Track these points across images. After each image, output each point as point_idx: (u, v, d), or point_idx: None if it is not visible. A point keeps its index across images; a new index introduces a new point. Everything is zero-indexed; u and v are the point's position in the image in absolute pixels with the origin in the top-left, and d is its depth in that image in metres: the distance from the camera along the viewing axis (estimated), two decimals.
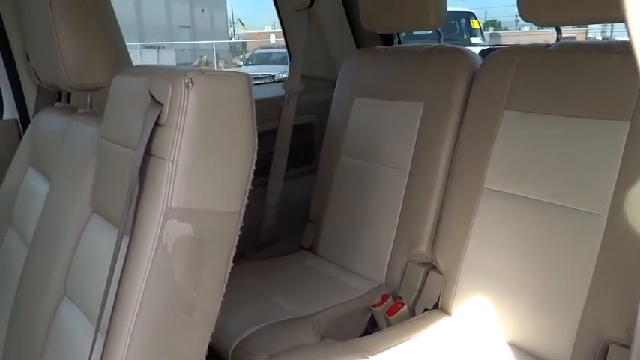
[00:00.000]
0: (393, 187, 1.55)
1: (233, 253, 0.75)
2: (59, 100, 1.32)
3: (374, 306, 1.44)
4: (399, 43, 1.99)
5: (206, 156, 0.71)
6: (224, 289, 0.75)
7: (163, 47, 18.04)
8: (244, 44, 23.67)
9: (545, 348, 1.18)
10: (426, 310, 1.42)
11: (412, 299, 1.44)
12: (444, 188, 1.45)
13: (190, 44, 21.53)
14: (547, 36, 1.44)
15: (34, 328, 0.92)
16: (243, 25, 29.06)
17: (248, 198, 0.74)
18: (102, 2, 1.08)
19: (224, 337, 1.28)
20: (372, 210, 1.60)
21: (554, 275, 1.19)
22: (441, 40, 1.62)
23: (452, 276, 1.37)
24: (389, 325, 1.40)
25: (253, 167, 0.74)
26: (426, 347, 1.27)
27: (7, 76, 1.53)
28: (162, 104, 0.70)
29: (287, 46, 2.10)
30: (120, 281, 0.71)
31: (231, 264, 0.75)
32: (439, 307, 1.40)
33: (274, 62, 10.22)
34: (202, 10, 24.48)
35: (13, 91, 1.54)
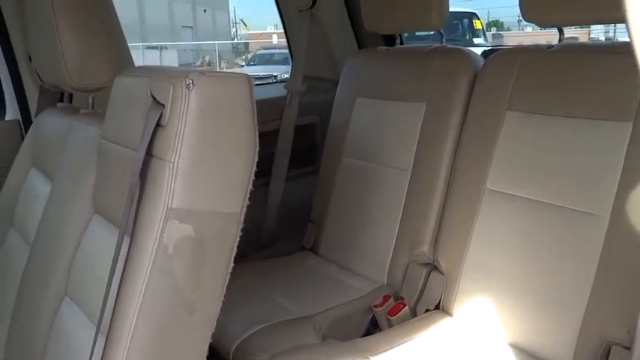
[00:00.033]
0: (394, 188, 1.55)
1: (234, 254, 0.75)
2: (61, 100, 1.32)
3: (375, 306, 1.43)
4: (401, 43, 1.99)
5: (207, 157, 0.71)
6: (225, 290, 0.75)
7: (166, 48, 18.06)
8: (247, 44, 23.70)
9: (547, 349, 1.18)
10: (427, 310, 1.42)
11: (413, 300, 1.44)
12: (445, 189, 1.45)
13: (193, 45, 21.56)
14: (550, 36, 1.43)
15: (35, 328, 0.93)
16: (246, 25, 29.10)
17: (249, 198, 0.74)
18: (104, 3, 1.09)
19: (225, 337, 1.28)
20: (374, 210, 1.60)
21: (556, 276, 1.19)
22: (443, 40, 1.62)
23: (453, 277, 1.37)
24: (390, 325, 1.40)
25: (254, 168, 0.74)
26: (427, 348, 1.27)
27: (9, 77, 1.54)
28: (163, 105, 0.70)
29: (289, 47, 2.10)
30: (121, 281, 0.71)
31: (232, 264, 0.75)
32: (441, 307, 1.40)
33: (276, 63, 10.24)
34: (205, 11, 24.51)
35: (15, 92, 1.54)
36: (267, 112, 1.86)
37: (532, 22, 1.31)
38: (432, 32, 1.66)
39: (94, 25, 1.02)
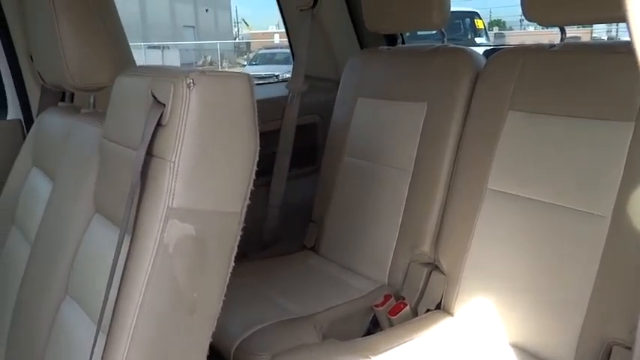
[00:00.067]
0: (395, 188, 1.55)
1: (235, 253, 0.75)
2: (62, 100, 1.32)
3: (376, 306, 1.43)
4: (403, 43, 1.99)
5: (207, 156, 0.71)
6: (225, 289, 0.75)
7: (167, 47, 18.08)
8: (248, 44, 23.70)
9: (548, 349, 1.18)
10: (428, 310, 1.41)
11: (414, 300, 1.44)
12: (447, 189, 1.45)
13: (194, 44, 21.57)
14: (552, 36, 1.43)
15: (36, 327, 0.93)
16: (248, 25, 29.10)
17: (251, 198, 0.74)
18: (105, 3, 1.09)
19: (226, 337, 1.28)
20: (375, 210, 1.60)
21: (557, 276, 1.18)
22: (445, 40, 1.61)
23: (454, 277, 1.37)
24: (391, 325, 1.40)
25: (255, 167, 0.74)
26: (428, 348, 1.26)
27: (11, 77, 1.54)
28: (164, 105, 0.70)
29: (290, 47, 2.10)
30: (121, 281, 0.71)
31: (233, 264, 0.75)
32: (442, 307, 1.40)
33: (278, 62, 10.23)
34: (206, 10, 24.52)
35: (17, 91, 1.55)
36: (269, 112, 1.86)
37: (533, 22, 1.30)
38: (433, 32, 1.66)
39: (96, 24, 1.02)
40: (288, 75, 1.99)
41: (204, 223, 0.72)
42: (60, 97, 1.33)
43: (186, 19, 22.85)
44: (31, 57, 1.31)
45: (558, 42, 1.32)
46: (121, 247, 0.71)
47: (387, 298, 1.44)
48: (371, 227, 1.59)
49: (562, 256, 1.18)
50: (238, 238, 0.75)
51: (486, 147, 1.34)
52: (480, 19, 9.45)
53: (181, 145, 0.69)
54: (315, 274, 1.62)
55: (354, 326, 1.44)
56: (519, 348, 1.23)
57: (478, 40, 8.76)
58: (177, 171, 0.69)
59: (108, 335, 0.71)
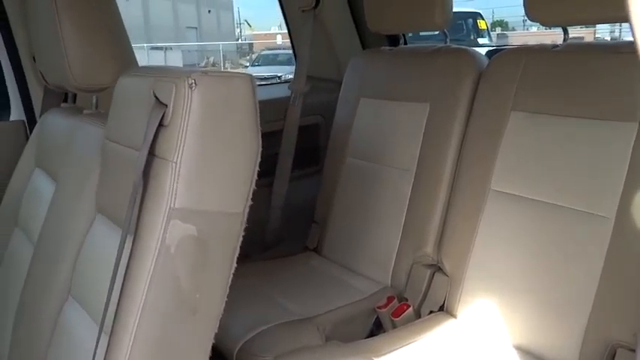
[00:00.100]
0: (398, 189, 1.54)
1: (237, 254, 0.75)
2: (65, 101, 1.32)
3: (379, 308, 1.43)
4: (405, 43, 1.99)
5: (209, 157, 0.71)
6: (228, 290, 0.75)
7: (170, 48, 18.12)
8: (251, 45, 23.73)
9: (552, 351, 1.17)
10: (431, 312, 1.41)
11: (417, 301, 1.44)
12: (449, 190, 1.44)
13: (197, 45, 21.61)
14: (555, 36, 1.43)
15: (38, 328, 0.93)
16: (250, 26, 29.15)
17: (253, 199, 0.74)
18: (107, 3, 1.09)
19: (228, 338, 1.27)
20: (378, 211, 1.59)
21: (560, 278, 1.18)
22: (448, 40, 1.61)
23: (457, 278, 1.36)
24: (394, 327, 1.40)
25: (257, 168, 0.74)
26: (431, 350, 1.26)
27: (14, 78, 1.54)
28: (165, 105, 0.70)
29: (292, 48, 2.10)
30: (123, 281, 0.71)
31: (235, 265, 0.75)
32: (445, 309, 1.40)
33: (281, 63, 10.24)
34: (209, 12, 24.57)
35: (20, 92, 1.55)
36: (271, 113, 1.86)
37: (536, 22, 1.30)
38: (436, 32, 1.65)
39: (98, 25, 1.02)
40: (291, 76, 1.99)
41: (206, 223, 0.71)
42: (62, 98, 1.34)
43: (188, 21, 22.90)
44: (34, 58, 1.31)
45: (561, 42, 1.32)
46: (123, 248, 0.71)
47: (389, 299, 1.44)
48: (374, 228, 1.59)
49: (565, 258, 1.18)
50: (240, 238, 0.75)
51: (489, 147, 1.34)
52: (483, 19, 9.43)
53: (183, 146, 0.69)
54: (318, 276, 1.62)
55: (357, 328, 1.44)
56: (523, 350, 1.22)
57: (481, 40, 8.75)
58: (179, 171, 0.69)
59: (110, 336, 0.71)
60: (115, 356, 0.70)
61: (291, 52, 2.15)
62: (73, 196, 0.97)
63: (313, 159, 2.02)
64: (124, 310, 0.70)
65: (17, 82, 1.54)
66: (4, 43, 1.52)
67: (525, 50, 1.38)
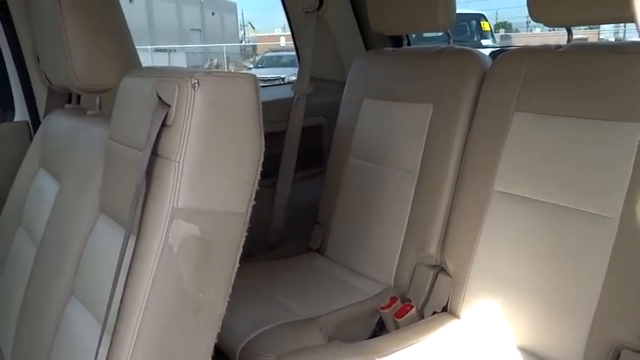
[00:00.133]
0: (401, 190, 1.54)
1: (240, 254, 0.75)
2: (69, 101, 1.33)
3: (382, 308, 1.43)
4: (409, 44, 1.98)
5: (212, 156, 0.71)
6: (230, 290, 0.75)
7: (174, 50, 18.17)
8: (254, 47, 23.76)
9: (556, 352, 1.17)
10: (434, 313, 1.41)
11: (421, 302, 1.43)
12: (453, 190, 1.44)
13: (201, 47, 21.66)
14: (558, 37, 1.42)
15: (42, 327, 0.93)
16: (254, 28, 29.19)
17: (256, 199, 0.74)
18: (111, 4, 1.09)
19: (231, 338, 1.28)
20: (381, 212, 1.59)
21: (565, 279, 1.17)
22: (451, 41, 1.61)
23: (461, 279, 1.36)
24: (397, 327, 1.39)
25: (260, 168, 0.74)
26: (434, 350, 1.26)
27: (18, 78, 1.55)
28: (168, 105, 0.70)
29: (296, 49, 2.10)
30: (126, 281, 0.71)
31: (238, 264, 0.75)
32: (448, 310, 1.39)
33: (284, 65, 10.26)
34: (213, 14, 24.63)
35: (24, 93, 1.56)
36: (274, 114, 1.86)
37: (540, 22, 1.30)
38: (439, 34, 1.65)
39: (102, 26, 1.03)
40: (294, 78, 2.00)
41: (209, 223, 0.71)
42: (66, 98, 1.34)
43: (192, 23, 22.95)
44: (38, 59, 1.31)
45: (565, 43, 1.32)
46: (125, 248, 0.71)
47: (393, 300, 1.43)
48: (377, 229, 1.59)
49: (570, 259, 1.17)
50: (243, 238, 0.75)
51: (493, 148, 1.33)
52: (486, 21, 9.43)
53: (186, 145, 0.69)
54: (321, 276, 1.62)
55: (360, 328, 1.43)
56: (526, 351, 1.22)
57: (484, 42, 8.74)
58: (182, 171, 0.69)
59: (113, 336, 0.71)
60: (118, 356, 0.70)
61: (294, 53, 2.15)
62: (77, 196, 0.97)
63: (316, 160, 2.02)
64: (126, 310, 0.70)
65: (21, 83, 1.55)
66: (9, 44, 1.53)
67: (529, 51, 1.37)
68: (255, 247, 1.80)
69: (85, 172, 0.98)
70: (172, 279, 0.71)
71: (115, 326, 0.71)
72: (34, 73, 1.52)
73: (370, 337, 1.39)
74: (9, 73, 1.55)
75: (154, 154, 0.71)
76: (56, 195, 1.05)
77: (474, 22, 8.96)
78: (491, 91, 1.39)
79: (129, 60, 1.09)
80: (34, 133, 1.36)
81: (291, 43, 2.22)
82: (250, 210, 0.74)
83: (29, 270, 1.04)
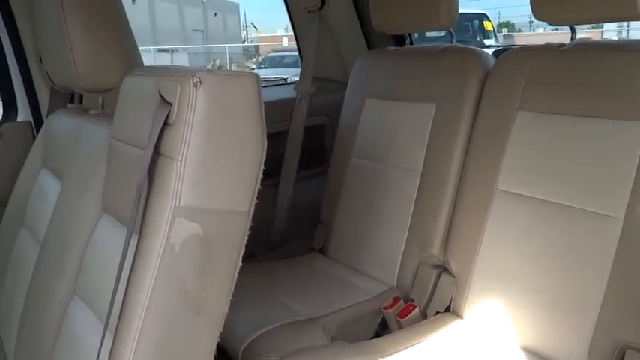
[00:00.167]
0: (404, 189, 1.54)
1: (242, 253, 0.75)
2: (72, 101, 1.33)
3: (385, 308, 1.42)
4: (411, 44, 1.98)
5: (214, 155, 0.71)
6: (233, 289, 0.75)
7: (177, 51, 18.19)
8: (257, 47, 23.79)
9: (559, 352, 1.16)
10: (437, 312, 1.40)
11: (424, 302, 1.43)
12: (456, 190, 1.43)
13: (203, 48, 21.68)
14: (562, 37, 1.41)
15: (44, 327, 0.93)
16: (256, 28, 29.24)
17: (258, 198, 0.74)
18: (113, 4, 1.09)
19: (233, 338, 1.27)
20: (384, 212, 1.59)
21: (568, 278, 1.17)
22: (454, 40, 1.60)
23: (464, 279, 1.36)
24: (400, 327, 1.39)
25: (262, 166, 0.73)
26: (437, 350, 1.25)
27: (21, 79, 1.55)
28: (170, 104, 0.70)
29: (298, 48, 2.10)
30: (128, 280, 0.71)
31: (240, 264, 0.75)
32: (451, 309, 1.39)
33: (287, 65, 10.26)
34: (215, 14, 24.66)
35: (26, 93, 1.56)
36: (277, 113, 1.86)
37: (543, 20, 1.29)
38: (442, 34, 1.64)
39: (104, 26, 1.03)
40: (297, 78, 2.00)
41: (211, 222, 0.71)
42: (69, 98, 1.34)
43: (195, 24, 22.98)
44: (41, 59, 1.32)
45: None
46: (128, 247, 0.71)
47: (396, 300, 1.43)
48: (380, 229, 1.58)
49: (573, 258, 1.17)
50: (246, 237, 0.74)
51: (496, 147, 1.33)
52: (489, 20, 9.41)
53: (188, 144, 0.69)
54: (324, 276, 1.62)
55: (363, 328, 1.43)
56: (530, 351, 1.21)
57: (487, 42, 8.72)
58: (184, 170, 0.69)
59: (115, 335, 0.71)
60: (120, 354, 0.70)
61: (297, 54, 2.15)
62: (79, 195, 0.97)
63: (319, 160, 2.02)
64: (128, 309, 0.70)
65: (24, 83, 1.55)
66: (11, 44, 1.53)
67: (532, 49, 1.37)
68: (257, 246, 1.79)
69: (88, 171, 0.98)
70: (174, 278, 0.71)
71: (117, 325, 0.70)
72: (36, 73, 1.53)
73: (373, 337, 1.39)
74: (12, 73, 1.56)
75: (156, 152, 0.71)
76: (59, 194, 1.05)
77: (476, 22, 8.94)
78: (495, 90, 1.38)
79: (131, 59, 1.09)
80: (37, 133, 1.37)
81: (293, 43, 2.23)
82: (253, 209, 0.74)
83: (32, 269, 1.04)
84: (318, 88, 1.90)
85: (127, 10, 1.32)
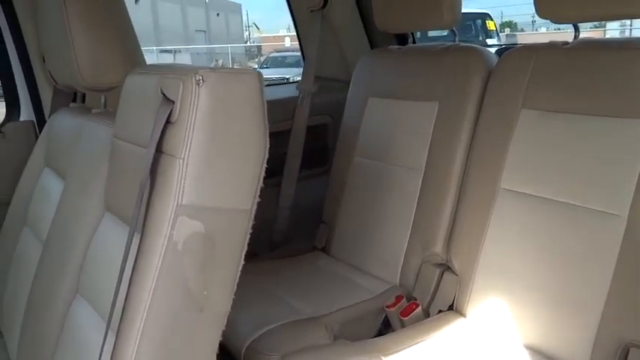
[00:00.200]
0: (407, 188, 1.54)
1: (244, 251, 0.75)
2: (74, 100, 1.33)
3: (388, 307, 1.42)
4: (414, 42, 1.98)
5: (217, 153, 0.71)
6: (235, 287, 0.75)
7: (179, 51, 18.22)
8: (259, 47, 23.80)
9: (563, 351, 1.16)
10: (440, 311, 1.40)
11: (426, 300, 1.43)
12: (459, 188, 1.43)
13: (206, 48, 21.70)
14: (565, 36, 1.41)
15: (47, 326, 0.93)
16: (259, 28, 29.25)
17: (261, 197, 0.74)
18: (115, 4, 1.09)
19: (236, 336, 1.27)
20: (386, 211, 1.58)
21: (572, 277, 1.16)
22: (456, 39, 1.60)
23: (467, 277, 1.35)
24: (403, 326, 1.39)
25: (265, 164, 0.73)
26: (440, 349, 1.25)
27: (23, 78, 1.55)
28: (173, 102, 0.70)
29: (301, 48, 2.09)
30: (131, 279, 0.71)
31: (243, 262, 0.75)
32: (454, 308, 1.39)
33: (289, 65, 10.25)
34: (218, 15, 24.68)
35: (29, 93, 1.56)
36: (280, 113, 1.86)
37: (546, 19, 1.29)
38: (444, 33, 1.64)
39: (106, 25, 1.03)
40: (299, 78, 1.99)
41: (213, 220, 0.71)
42: (72, 97, 1.35)
43: (197, 24, 23.01)
44: (43, 58, 1.32)
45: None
46: (130, 245, 0.71)
47: (398, 298, 1.43)
48: (382, 228, 1.58)
49: (577, 256, 1.16)
50: (248, 235, 0.74)
51: (499, 146, 1.32)
52: (492, 20, 9.40)
53: (190, 142, 0.69)
54: (326, 275, 1.61)
55: (365, 327, 1.43)
56: (533, 350, 1.21)
57: (489, 41, 8.71)
58: (186, 168, 0.69)
59: (117, 333, 0.71)
60: (122, 353, 0.70)
61: (299, 54, 2.15)
62: (82, 194, 0.97)
63: (321, 159, 2.02)
64: (131, 308, 0.70)
65: (27, 83, 1.55)
66: (14, 43, 1.53)
67: (535, 48, 1.36)
68: (260, 245, 1.80)
69: (90, 170, 0.98)
70: (177, 276, 0.70)
71: (120, 324, 0.70)
72: (39, 73, 1.53)
73: (376, 336, 1.39)
74: (14, 73, 1.56)
75: (159, 151, 0.71)
76: (61, 194, 1.05)
77: (479, 21, 8.92)
78: (498, 89, 1.38)
79: (134, 59, 1.10)
80: (40, 133, 1.37)
81: (296, 43, 2.22)
82: (255, 207, 0.74)
83: (34, 268, 1.04)
84: (321, 88, 1.90)
85: (129, 10, 1.32)
